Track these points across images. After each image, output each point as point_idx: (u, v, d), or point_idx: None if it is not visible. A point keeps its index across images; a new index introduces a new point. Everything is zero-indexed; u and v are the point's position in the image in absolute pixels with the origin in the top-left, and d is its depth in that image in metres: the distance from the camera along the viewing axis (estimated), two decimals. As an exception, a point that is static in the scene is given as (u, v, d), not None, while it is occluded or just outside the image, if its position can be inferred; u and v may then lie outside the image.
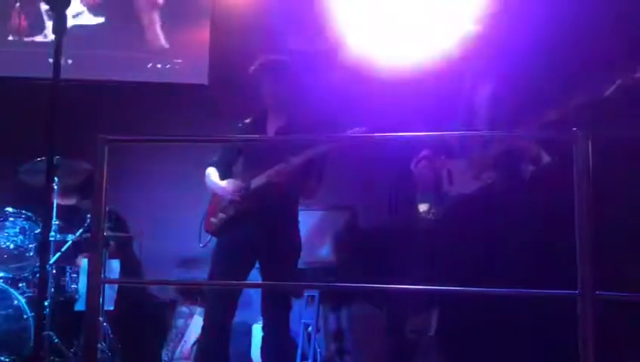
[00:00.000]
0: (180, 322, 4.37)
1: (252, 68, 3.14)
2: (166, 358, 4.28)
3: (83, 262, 3.65)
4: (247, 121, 3.18)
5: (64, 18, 1.85)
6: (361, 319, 4.05)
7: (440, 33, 3.98)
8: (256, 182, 2.98)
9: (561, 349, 2.01)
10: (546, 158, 2.64)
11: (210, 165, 3.19)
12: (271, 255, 3.00)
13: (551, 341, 2.67)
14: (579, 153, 1.61)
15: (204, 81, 4.75)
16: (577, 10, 3.56)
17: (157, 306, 4.53)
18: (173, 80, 4.79)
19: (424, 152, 3.01)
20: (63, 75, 1.94)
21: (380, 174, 4.25)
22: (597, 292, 1.59)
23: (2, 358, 3.05)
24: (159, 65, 4.80)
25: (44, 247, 2.33)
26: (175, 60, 4.82)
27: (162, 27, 4.81)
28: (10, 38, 4.78)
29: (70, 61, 4.46)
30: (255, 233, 2.97)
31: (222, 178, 3.14)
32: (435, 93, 3.28)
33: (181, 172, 4.33)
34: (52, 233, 3.54)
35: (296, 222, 3.11)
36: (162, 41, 4.80)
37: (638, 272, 3.15)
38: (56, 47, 1.83)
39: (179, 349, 4.27)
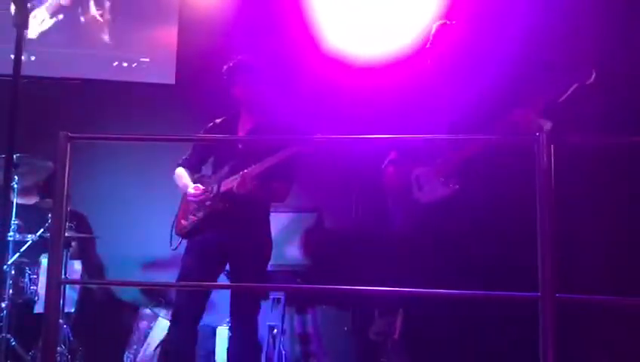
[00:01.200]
0: (144, 324, 4.30)
1: (225, 67, 3.12)
2: (128, 361, 4.20)
3: (44, 262, 3.57)
4: (218, 120, 3.15)
5: (25, 12, 1.80)
6: (326, 321, 4.06)
7: (410, 31, 4.03)
8: (227, 184, 2.95)
9: (524, 349, 2.05)
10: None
11: (180, 165, 3.15)
12: (241, 257, 2.98)
13: (514, 342, 2.72)
14: (541, 156, 1.65)
15: (172, 80, 4.70)
16: (540, 13, 3.65)
17: (120, 308, 4.45)
18: (140, 79, 4.72)
19: (392, 155, 3.03)
20: (26, 72, 1.90)
21: (347, 177, 4.27)
22: (557, 294, 1.63)
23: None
24: (125, 64, 4.73)
25: (1, 247, 2.26)
26: (142, 59, 4.76)
27: (121, 24, 4.74)
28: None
29: (33, 58, 4.36)
30: (225, 235, 2.95)
31: (191, 178, 3.10)
32: (411, 93, 3.30)
33: (147, 172, 4.28)
34: (11, 233, 3.46)
35: (267, 223, 3.09)
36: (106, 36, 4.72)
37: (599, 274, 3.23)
38: (17, 42, 1.78)
39: (142, 352, 4.20)
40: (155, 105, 4.55)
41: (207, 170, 3.26)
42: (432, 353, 2.88)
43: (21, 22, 1.81)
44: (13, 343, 3.42)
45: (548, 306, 1.61)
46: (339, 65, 4.31)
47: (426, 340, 2.92)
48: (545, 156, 1.64)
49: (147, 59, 4.76)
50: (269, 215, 3.13)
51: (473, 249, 2.73)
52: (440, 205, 2.82)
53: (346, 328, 4.00)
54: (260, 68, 3.14)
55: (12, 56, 1.81)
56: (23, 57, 1.83)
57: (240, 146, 3.09)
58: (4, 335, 3.35)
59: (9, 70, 1.80)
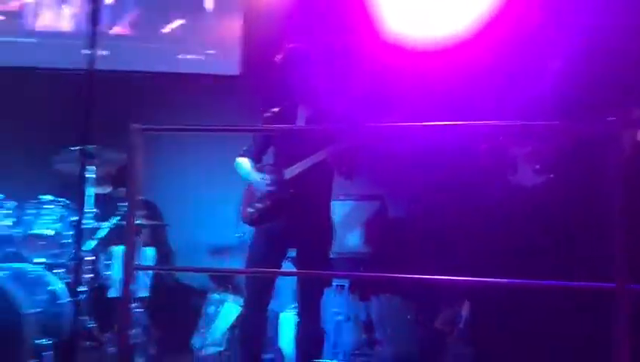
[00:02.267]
0: (212, 309, 4.42)
1: (278, 57, 3.14)
2: (197, 344, 4.34)
3: (117, 249, 3.72)
4: (275, 110, 3.18)
5: (99, 10, 1.88)
6: (391, 309, 4.05)
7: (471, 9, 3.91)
8: (291, 172, 2.99)
9: (594, 340, 1.98)
10: None
11: (241, 155, 3.21)
12: (305, 244, 3.02)
13: (585, 332, 2.64)
14: (616, 145, 1.58)
15: (236, 71, 4.78)
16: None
17: (190, 293, 4.60)
18: (206, 71, 4.84)
19: (490, 138, 2.97)
20: (98, 67, 1.98)
21: (410, 164, 4.22)
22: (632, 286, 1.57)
23: (40, 341, 3.13)
24: (191, 57, 4.85)
25: (79, 234, 2.39)
26: (208, 52, 4.87)
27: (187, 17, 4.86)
28: (45, 29, 4.87)
29: (105, 52, 4.54)
30: (290, 222, 2.99)
31: (254, 167, 3.16)
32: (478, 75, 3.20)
33: (214, 161, 4.38)
34: (88, 221, 3.62)
35: (329, 211, 3.12)
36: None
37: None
38: (92, 38, 1.86)
39: (210, 336, 4.33)
40: (220, 97, 4.65)
41: (267, 159, 3.30)
42: (499, 342, 2.83)
43: (94, 18, 1.89)
44: (91, 325, 3.59)
45: (622, 297, 1.55)
46: (399, 50, 4.26)
47: (494, 330, 2.87)
48: (620, 144, 1.58)
49: (213, 52, 4.86)
50: (331, 202, 3.16)
51: (551, 237, 2.66)
52: (532, 192, 2.74)
53: (409, 316, 3.99)
54: (314, 55, 3.14)
55: (86, 52, 1.89)
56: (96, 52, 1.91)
57: (300, 135, 3.13)
58: (82, 317, 3.52)
59: (83, 65, 1.89)
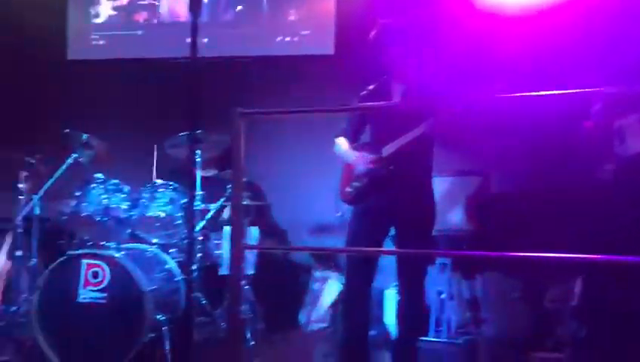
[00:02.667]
0: (316, 286, 4.53)
1: (371, 33, 3.10)
2: (303, 320, 4.46)
3: (225, 229, 3.88)
4: (371, 87, 3.15)
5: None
6: (496, 287, 3.95)
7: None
8: (389, 149, 2.97)
9: None
10: None
11: (339, 135, 3.22)
12: (406, 221, 2.99)
13: None
14: None
15: (331, 51, 4.80)
16: None
17: (295, 270, 4.73)
18: (301, 52, 4.89)
19: (596, 106, 2.81)
20: (200, 54, 2.05)
21: (513, 137, 4.07)
22: None
23: (158, 317, 3.34)
24: (287, 38, 4.92)
25: (191, 216, 2.52)
26: (302, 32, 4.91)
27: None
28: (148, 21, 5.12)
29: (205, 40, 4.70)
30: (390, 199, 2.98)
31: (351, 146, 3.16)
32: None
33: (314, 141, 4.45)
34: (197, 203, 3.79)
35: (431, 188, 3.08)
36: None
37: None
38: (193, 26, 1.93)
39: (315, 312, 4.44)
40: (316, 77, 4.69)
41: (364, 137, 3.29)
42: (613, 321, 2.69)
43: (195, 7, 1.96)
44: (204, 301, 3.78)
45: None
46: (493, 18, 4.09)
47: (608, 307, 2.72)
48: None
49: (307, 32, 4.91)
50: (432, 178, 3.10)
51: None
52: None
53: (515, 294, 3.87)
54: (407, 29, 3.07)
55: (188, 40, 1.96)
56: (197, 40, 1.98)
57: (396, 112, 3.09)
58: (195, 294, 3.71)
59: (187, 53, 1.96)
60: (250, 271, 3.98)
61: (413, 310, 3.05)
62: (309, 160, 4.65)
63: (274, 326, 4.28)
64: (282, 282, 4.66)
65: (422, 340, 3.34)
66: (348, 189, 3.14)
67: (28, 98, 4.86)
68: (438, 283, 3.86)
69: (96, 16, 5.10)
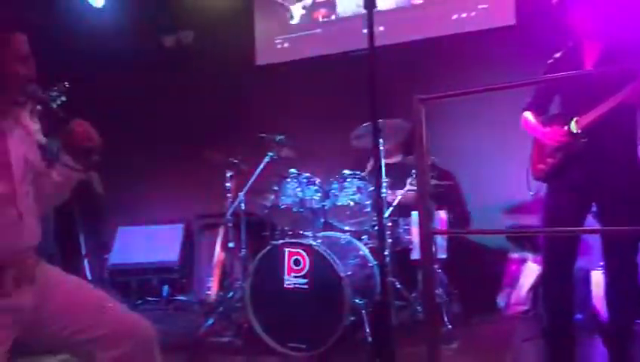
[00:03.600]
0: (513, 268, 4.37)
1: None
2: (502, 304, 4.33)
3: (413, 214, 3.91)
4: (558, 55, 2.93)
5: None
6: None
7: None
8: (582, 121, 2.75)
9: None
10: None
11: (525, 108, 3.06)
12: (610, 196, 2.74)
13: None
14: None
15: (513, 21, 4.57)
16: None
17: (488, 253, 4.61)
18: (481, 27, 4.72)
19: None
20: (378, 43, 2.10)
21: None
22: None
23: (356, 300, 3.48)
24: (464, 15, 4.78)
25: (380, 204, 2.59)
26: (480, 6, 4.74)
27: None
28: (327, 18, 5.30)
29: (381, 28, 4.76)
30: (588, 175, 2.76)
31: (539, 120, 2.98)
32: None
33: (499, 118, 4.29)
34: (383, 190, 3.87)
35: (637, 160, 2.78)
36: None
37: None
38: (369, 18, 1.98)
39: (513, 295, 4.28)
40: (497, 51, 4.50)
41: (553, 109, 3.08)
42: None
43: (371, 1, 2.01)
44: (398, 286, 3.86)
45: None
46: None
47: None
48: None
49: (485, 5, 4.72)
50: (637, 148, 2.80)
51: None
52: None
53: None
54: None
55: (365, 31, 2.02)
56: (374, 30, 2.03)
57: (590, 79, 2.83)
58: (390, 278, 3.80)
59: (364, 44, 2.02)
60: (443, 255, 3.97)
61: (622, 291, 2.80)
62: (497, 137, 4.50)
63: (471, 309, 4.22)
64: (477, 265, 4.57)
65: (637, 323, 3.05)
66: (541, 166, 2.97)
67: (227, 104, 5.36)
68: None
69: (291, 18, 5.40)
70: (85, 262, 5.37)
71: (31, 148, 1.82)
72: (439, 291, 3.81)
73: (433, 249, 3.83)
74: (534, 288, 4.17)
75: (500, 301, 4.35)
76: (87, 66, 5.08)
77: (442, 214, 4.02)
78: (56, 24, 5.22)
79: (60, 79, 3.67)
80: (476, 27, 4.72)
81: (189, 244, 5.49)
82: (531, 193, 3.13)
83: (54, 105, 3.56)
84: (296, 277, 3.55)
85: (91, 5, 5.55)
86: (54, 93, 3.58)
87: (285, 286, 3.56)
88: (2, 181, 1.64)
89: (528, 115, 3.02)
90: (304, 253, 3.55)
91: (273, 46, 5.42)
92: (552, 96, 2.99)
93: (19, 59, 1.66)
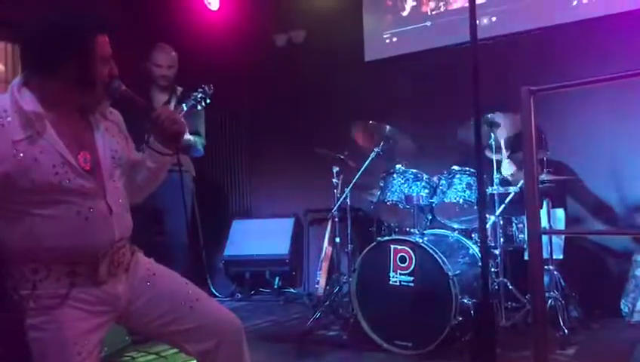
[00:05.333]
0: (639, 272, 4.03)
1: None
2: (626, 309, 4.02)
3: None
4: None
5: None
6: None
7: None
8: None
9: None
10: None
11: None
12: None
13: None
14: None
15: (634, 5, 4.19)
16: None
17: (611, 255, 4.29)
18: (602, 12, 4.37)
19: None
20: (484, 35, 2.02)
21: None
22: None
23: (465, 300, 3.38)
24: (585, 0, 4.45)
25: (481, 201, 2.48)
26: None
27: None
28: (436, 10, 5.17)
29: (494, 19, 4.57)
30: None
31: None
32: None
33: (620, 107, 3.99)
34: (495, 187, 3.72)
35: None
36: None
37: None
38: (471, 11, 1.91)
39: (638, 301, 3.95)
40: (623, 35, 4.16)
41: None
42: None
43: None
44: (510, 287, 3.69)
45: None
46: None
47: None
48: None
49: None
50: None
51: None
52: None
53: None
54: None
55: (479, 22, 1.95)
56: (478, 22, 1.95)
57: None
58: (501, 279, 3.65)
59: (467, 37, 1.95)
60: (559, 256, 3.74)
61: None
62: (618, 128, 4.17)
63: (592, 314, 3.96)
64: (599, 267, 4.27)
65: None
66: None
67: (336, 101, 5.40)
68: None
69: (402, 9, 5.34)
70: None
71: (120, 140, 1.89)
72: (555, 294, 3.60)
73: (548, 249, 3.65)
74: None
75: (624, 307, 4.04)
76: (202, 64, 5.33)
77: (559, 213, 3.80)
78: (175, 25, 5.53)
79: (204, 81, 3.89)
80: (596, 13, 4.37)
81: (299, 238, 5.61)
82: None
83: (199, 107, 3.85)
84: (402, 274, 3.52)
85: (207, 7, 5.86)
86: (200, 95, 3.82)
87: (391, 282, 3.54)
88: (92, 177, 1.73)
89: None
90: (410, 251, 3.51)
91: (382, 41, 5.39)
92: None
93: (101, 59, 1.74)
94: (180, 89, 4.12)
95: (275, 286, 5.47)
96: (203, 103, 3.85)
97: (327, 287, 4.58)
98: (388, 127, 3.98)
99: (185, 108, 3.76)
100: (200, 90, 3.83)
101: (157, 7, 5.59)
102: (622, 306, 4.05)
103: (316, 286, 4.75)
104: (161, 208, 3.90)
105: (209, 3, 5.90)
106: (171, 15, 5.68)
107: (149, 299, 1.84)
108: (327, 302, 4.16)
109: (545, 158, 3.73)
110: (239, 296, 5.52)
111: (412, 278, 3.48)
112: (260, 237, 5.55)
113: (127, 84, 1.82)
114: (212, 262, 5.64)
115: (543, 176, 3.62)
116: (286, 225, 5.58)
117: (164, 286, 1.88)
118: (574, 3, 4.49)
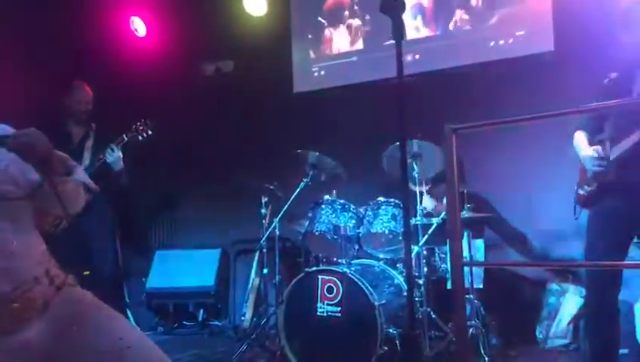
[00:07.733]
0: (552, 300, 4.23)
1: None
2: (541, 336, 4.20)
3: (448, 244, 3.83)
4: (614, 75, 2.80)
5: (401, 23, 1.99)
6: None
7: None
8: (617, 150, 2.66)
9: None
10: None
11: (578, 128, 2.93)
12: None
13: None
14: None
15: (551, 47, 4.51)
16: None
17: (526, 284, 4.48)
18: (518, 53, 4.67)
19: None
20: (409, 71, 2.10)
21: None
22: None
23: (390, 330, 3.42)
24: (502, 42, 4.74)
25: (408, 232, 2.53)
26: (517, 33, 4.70)
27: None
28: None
29: (417, 56, 4.76)
30: (625, 204, 2.66)
31: (592, 141, 2.85)
32: None
33: (539, 144, 4.21)
34: (418, 218, 3.82)
35: None
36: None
37: None
38: (398, 50, 1.98)
39: (553, 327, 4.15)
40: (536, 77, 4.44)
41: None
42: None
43: (398, 33, 2.01)
44: (434, 316, 3.77)
45: None
46: None
47: None
48: None
49: (522, 32, 4.68)
50: None
51: None
52: None
53: None
54: None
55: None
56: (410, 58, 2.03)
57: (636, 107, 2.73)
58: (425, 308, 3.72)
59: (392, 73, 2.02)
60: (479, 285, 3.87)
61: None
62: (536, 164, 4.40)
63: (510, 341, 4.10)
64: (515, 295, 4.45)
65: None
66: (580, 191, 2.88)
67: (264, 131, 5.42)
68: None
69: (330, 45, 5.46)
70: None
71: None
72: (476, 322, 3.72)
73: (470, 279, 3.77)
74: (575, 320, 4.04)
75: (539, 334, 4.22)
76: (128, 91, 5.22)
77: (479, 243, 3.95)
78: (101, 50, 5.41)
79: (131, 109, 3.89)
80: (514, 54, 4.67)
81: (225, 269, 5.53)
82: (575, 218, 3.02)
83: (140, 138, 4.03)
84: (329, 304, 3.53)
85: (134, 34, 5.78)
86: (141, 128, 4.07)
87: (318, 313, 3.54)
88: None
89: (580, 135, 2.89)
90: (337, 281, 3.53)
91: (310, 74, 5.48)
92: (603, 119, 2.84)
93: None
94: (93, 125, 4.03)
95: (200, 319, 5.34)
96: (144, 135, 4.08)
97: (254, 319, 4.52)
98: (315, 153, 4.02)
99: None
100: (139, 124, 4.04)
101: (83, 31, 5.42)
102: (537, 333, 4.23)
103: (242, 318, 4.68)
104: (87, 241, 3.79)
105: (135, 30, 5.82)
106: (97, 42, 5.52)
107: (75, 345, 1.68)
108: (254, 335, 4.10)
109: (465, 191, 3.87)
110: (161, 329, 5.34)
111: (339, 309, 3.50)
112: (184, 268, 5.42)
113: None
114: (133, 294, 5.44)
115: (464, 213, 3.73)
116: (212, 256, 5.48)
117: (92, 331, 1.72)
118: (491, 44, 4.76)
